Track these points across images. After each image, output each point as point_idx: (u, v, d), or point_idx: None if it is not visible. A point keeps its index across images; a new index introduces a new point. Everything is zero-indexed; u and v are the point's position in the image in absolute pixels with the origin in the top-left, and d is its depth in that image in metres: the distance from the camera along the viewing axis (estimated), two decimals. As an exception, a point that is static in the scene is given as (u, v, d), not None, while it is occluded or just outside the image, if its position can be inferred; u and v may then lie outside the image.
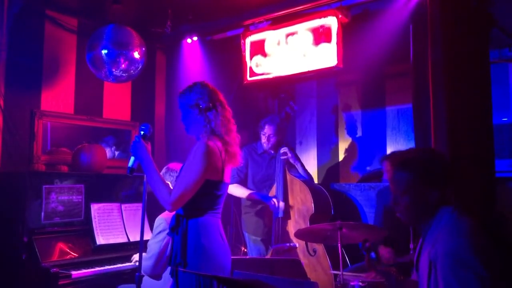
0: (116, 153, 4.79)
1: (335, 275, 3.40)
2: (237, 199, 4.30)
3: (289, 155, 3.95)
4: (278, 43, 4.28)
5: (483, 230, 1.78)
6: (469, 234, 1.73)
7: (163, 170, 3.10)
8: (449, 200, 1.86)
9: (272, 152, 4.17)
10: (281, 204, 3.84)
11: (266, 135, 4.10)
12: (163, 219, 2.97)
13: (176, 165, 3.07)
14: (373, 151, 4.66)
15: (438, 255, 1.73)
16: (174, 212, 2.46)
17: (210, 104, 2.43)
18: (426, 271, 1.79)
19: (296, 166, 4.04)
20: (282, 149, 3.96)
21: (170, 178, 2.98)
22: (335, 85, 4.96)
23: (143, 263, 2.94)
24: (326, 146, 5.00)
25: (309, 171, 4.26)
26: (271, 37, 4.33)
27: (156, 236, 2.96)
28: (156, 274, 2.96)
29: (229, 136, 2.43)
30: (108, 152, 4.74)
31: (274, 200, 3.86)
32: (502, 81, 3.89)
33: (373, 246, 3.08)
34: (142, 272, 2.93)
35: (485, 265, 1.63)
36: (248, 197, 4.04)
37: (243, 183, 4.16)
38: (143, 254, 3.05)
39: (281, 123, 4.12)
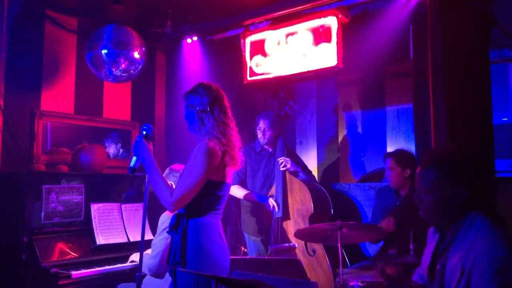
0: (121, 150, 4.79)
1: (335, 275, 3.41)
2: (237, 199, 4.30)
3: (288, 165, 3.91)
4: (278, 43, 4.28)
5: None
6: (504, 238, 1.69)
7: (166, 171, 3.10)
8: (477, 203, 1.80)
9: (270, 149, 4.17)
10: (276, 208, 3.83)
11: (261, 129, 4.11)
12: (168, 216, 2.95)
13: (179, 166, 3.07)
14: (373, 151, 4.66)
15: (477, 263, 1.67)
16: (175, 211, 2.46)
17: (207, 107, 2.44)
18: (456, 276, 1.74)
19: (298, 172, 4.02)
20: (280, 160, 3.93)
21: (173, 179, 2.98)
22: (335, 85, 4.96)
23: (148, 261, 2.93)
24: (326, 146, 5.00)
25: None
26: (271, 37, 4.33)
27: (161, 233, 2.95)
28: (161, 273, 2.96)
29: (226, 140, 2.43)
30: (113, 148, 4.75)
31: (271, 200, 3.86)
32: (502, 81, 3.89)
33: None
34: (147, 271, 2.93)
35: None
36: (246, 198, 4.04)
37: (243, 183, 4.16)
38: (147, 252, 3.05)
39: (276, 118, 4.12)
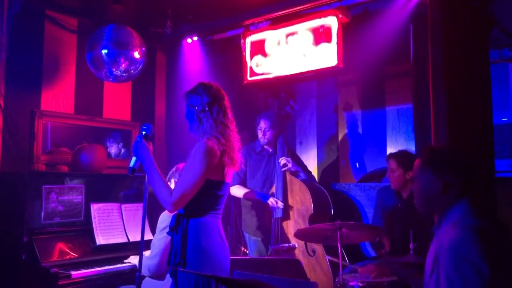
0: (123, 150, 4.80)
1: (334, 275, 3.41)
2: (237, 199, 4.30)
3: (289, 165, 3.91)
4: (278, 43, 4.28)
5: (493, 228, 1.77)
6: (475, 229, 1.72)
7: (173, 169, 3.09)
8: (462, 194, 1.85)
9: (270, 150, 4.17)
10: (280, 203, 3.83)
11: (262, 129, 4.11)
12: (167, 215, 2.95)
13: None
14: (373, 151, 4.66)
15: (443, 248, 1.72)
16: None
17: (206, 107, 2.44)
18: (430, 266, 1.79)
19: (298, 172, 4.02)
20: (281, 160, 3.93)
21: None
22: (335, 85, 4.96)
23: (147, 262, 2.92)
24: (326, 146, 5.00)
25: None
26: (271, 37, 4.33)
27: (161, 232, 2.94)
28: (161, 273, 2.94)
29: (225, 140, 2.43)
30: (115, 148, 4.75)
31: (272, 199, 3.85)
32: (502, 81, 3.89)
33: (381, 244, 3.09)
34: (146, 272, 2.92)
35: (488, 262, 1.62)
36: (247, 196, 4.03)
37: (243, 183, 4.15)
38: (147, 253, 3.05)
39: (277, 118, 4.11)
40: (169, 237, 2.86)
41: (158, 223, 3.00)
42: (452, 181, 1.86)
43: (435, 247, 1.78)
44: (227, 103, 2.52)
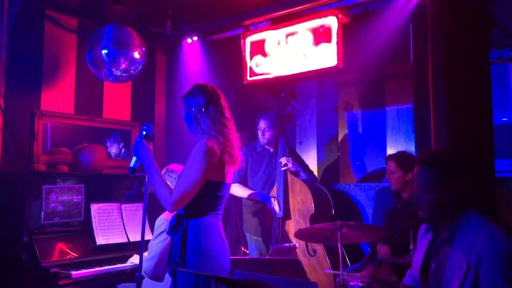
0: (123, 150, 4.80)
1: (335, 275, 3.41)
2: (237, 199, 4.30)
3: (290, 165, 3.92)
4: (278, 43, 4.28)
5: None
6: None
7: (163, 171, 3.10)
8: (472, 201, 1.85)
9: (272, 150, 4.17)
10: (277, 208, 3.84)
11: (261, 129, 4.11)
12: (164, 219, 2.96)
13: (175, 166, 3.07)
14: (373, 151, 4.66)
15: (484, 258, 1.71)
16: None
17: (202, 108, 2.44)
18: (461, 273, 1.76)
19: (299, 172, 4.02)
20: (282, 160, 3.94)
21: (170, 179, 2.98)
22: (335, 85, 4.96)
23: (144, 264, 2.92)
24: (326, 146, 5.00)
25: (309, 171, 4.26)
26: (271, 37, 4.33)
27: (158, 236, 2.95)
28: (157, 276, 2.95)
29: (224, 139, 2.43)
30: (115, 148, 4.76)
31: (274, 202, 3.85)
32: (502, 81, 3.89)
33: (381, 261, 3.08)
34: (143, 273, 2.92)
35: None
36: (248, 197, 4.04)
37: (243, 182, 4.15)
38: (144, 255, 3.05)
39: (277, 118, 4.12)
40: (166, 242, 2.87)
41: (155, 227, 3.00)
42: (467, 188, 1.84)
43: (465, 257, 1.76)
44: (223, 102, 2.53)
